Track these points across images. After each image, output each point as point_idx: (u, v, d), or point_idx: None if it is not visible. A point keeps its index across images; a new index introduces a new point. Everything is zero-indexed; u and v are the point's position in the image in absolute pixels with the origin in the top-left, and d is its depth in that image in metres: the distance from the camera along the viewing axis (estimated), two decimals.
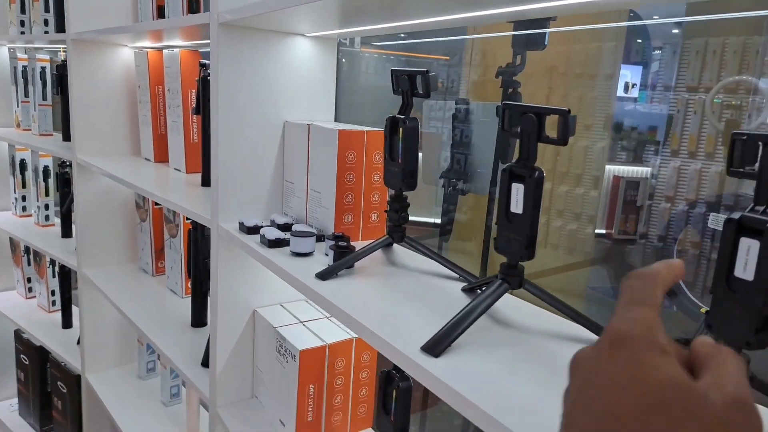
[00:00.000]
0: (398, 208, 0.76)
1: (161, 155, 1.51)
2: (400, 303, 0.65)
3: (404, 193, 0.76)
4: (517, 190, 0.55)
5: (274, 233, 0.83)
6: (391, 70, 0.74)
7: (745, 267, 0.40)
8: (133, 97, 1.58)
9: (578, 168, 2.74)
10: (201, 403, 1.37)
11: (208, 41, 1.29)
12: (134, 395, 1.50)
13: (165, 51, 1.42)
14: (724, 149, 1.96)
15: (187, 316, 1.29)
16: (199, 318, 1.26)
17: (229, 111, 0.91)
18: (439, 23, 0.78)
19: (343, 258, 0.73)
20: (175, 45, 1.45)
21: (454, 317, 0.54)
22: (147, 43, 1.50)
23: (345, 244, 0.76)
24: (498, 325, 0.60)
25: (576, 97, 2.37)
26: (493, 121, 0.93)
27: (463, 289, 0.70)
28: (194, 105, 1.32)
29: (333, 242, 0.77)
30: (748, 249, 0.39)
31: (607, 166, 2.67)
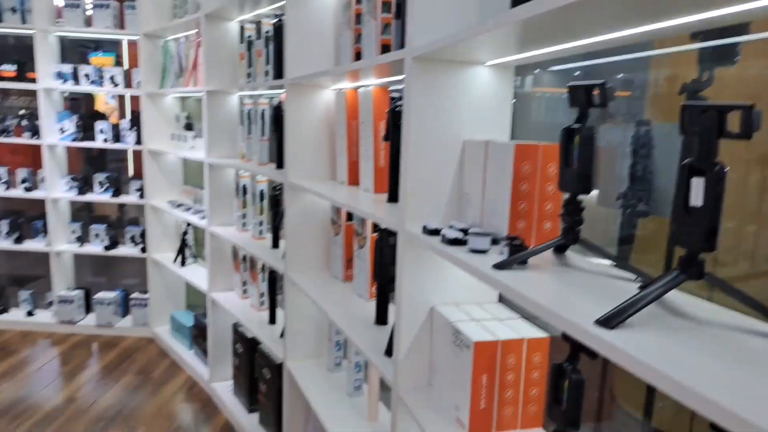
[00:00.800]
0: (572, 210, 0.81)
1: (353, 179, 1.75)
2: (573, 292, 0.70)
3: (579, 197, 0.81)
4: (697, 184, 0.58)
5: (453, 233, 0.95)
6: (568, 85, 0.81)
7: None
8: (332, 130, 1.87)
9: None
10: (381, 398, 1.52)
11: (398, 77, 1.49)
12: (325, 385, 1.73)
13: (360, 89, 1.66)
14: None
15: (371, 316, 1.47)
16: (382, 317, 1.42)
17: (417, 133, 1.06)
18: (615, 40, 0.83)
19: (519, 252, 0.80)
20: (368, 84, 1.69)
21: (628, 298, 0.58)
22: (345, 83, 1.78)
23: (519, 241, 0.84)
24: (673, 315, 0.62)
25: None
26: (677, 141, 0.94)
27: (640, 287, 0.72)
28: (385, 133, 1.53)
29: (507, 242, 0.86)
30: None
31: None
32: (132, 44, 3.50)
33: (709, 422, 0.44)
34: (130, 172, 3.74)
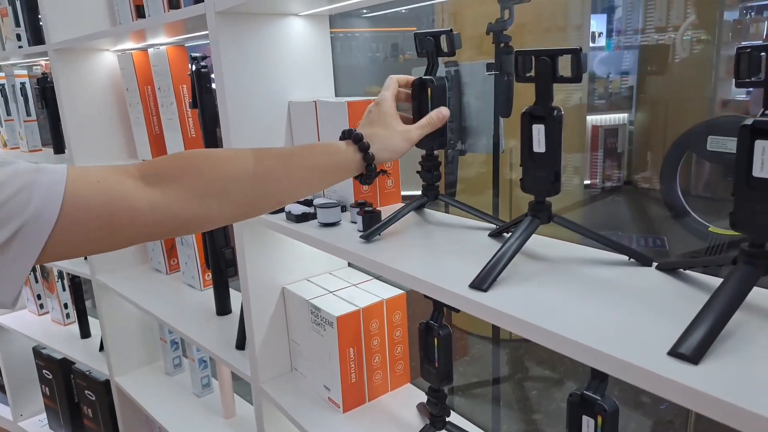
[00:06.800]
0: (431, 167, 0.78)
1: (159, 154, 1.52)
2: (440, 255, 0.69)
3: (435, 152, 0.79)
4: (539, 130, 0.59)
5: (299, 209, 0.87)
6: (414, 34, 0.76)
7: (762, 166, 0.44)
8: (122, 100, 1.58)
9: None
10: (234, 390, 1.41)
11: (191, 35, 1.29)
12: (166, 391, 1.54)
13: (150, 50, 1.41)
14: None
15: (209, 306, 1.32)
16: (223, 306, 1.29)
17: (235, 97, 0.93)
18: None
19: (378, 222, 0.76)
20: (158, 43, 1.45)
21: (494, 255, 0.58)
22: (129, 44, 1.50)
23: (371, 209, 0.80)
24: (533, 260, 0.65)
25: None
26: (485, 78, 0.96)
27: (490, 234, 0.74)
28: (190, 99, 1.33)
29: (357, 209, 0.81)
30: (763, 150, 0.44)
31: (588, 117, 2.73)
32: None
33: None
34: None
